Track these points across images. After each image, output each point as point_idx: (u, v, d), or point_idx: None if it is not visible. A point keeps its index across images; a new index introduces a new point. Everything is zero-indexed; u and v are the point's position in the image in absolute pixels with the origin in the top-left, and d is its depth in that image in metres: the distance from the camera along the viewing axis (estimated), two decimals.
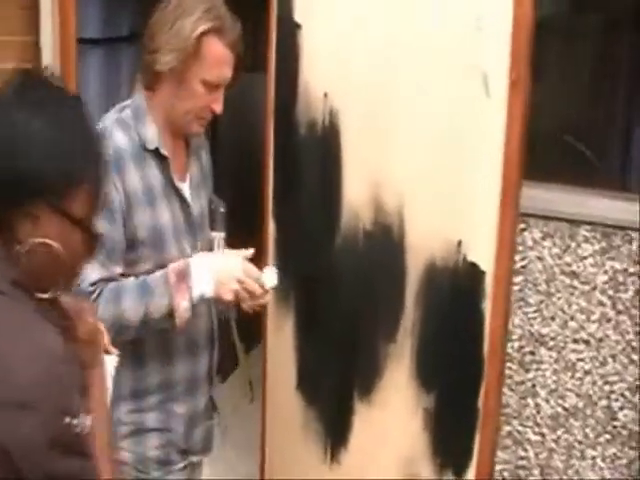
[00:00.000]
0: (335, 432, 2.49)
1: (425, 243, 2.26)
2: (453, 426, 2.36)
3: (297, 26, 2.32)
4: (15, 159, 1.07)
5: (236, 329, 3.65)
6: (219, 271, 1.75)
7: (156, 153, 1.79)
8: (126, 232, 1.73)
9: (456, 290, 2.27)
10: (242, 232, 3.59)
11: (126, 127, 1.78)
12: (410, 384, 2.35)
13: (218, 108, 1.80)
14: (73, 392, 1.07)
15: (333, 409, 2.49)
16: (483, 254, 2.21)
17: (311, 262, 2.44)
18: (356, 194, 2.34)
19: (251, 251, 1.87)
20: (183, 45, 1.71)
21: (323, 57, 2.31)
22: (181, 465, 1.93)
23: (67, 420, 1.04)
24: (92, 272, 1.65)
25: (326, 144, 2.35)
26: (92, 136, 1.17)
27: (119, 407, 1.79)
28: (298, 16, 2.31)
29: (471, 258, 2.22)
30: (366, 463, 2.45)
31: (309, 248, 2.44)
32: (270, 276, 1.82)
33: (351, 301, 2.41)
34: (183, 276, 1.72)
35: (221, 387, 3.73)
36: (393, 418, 2.41)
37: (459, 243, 2.23)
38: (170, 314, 1.71)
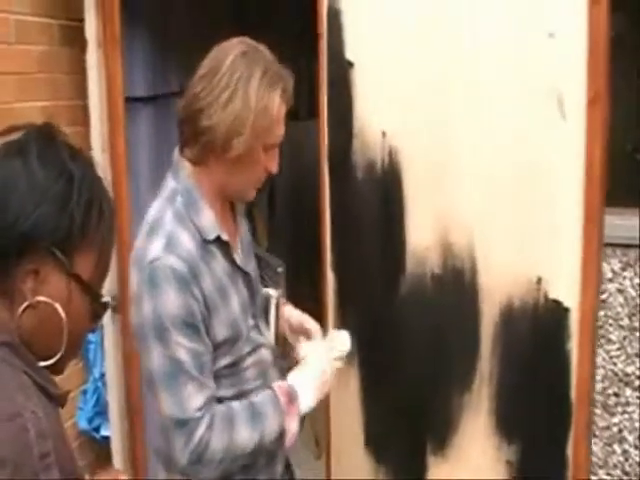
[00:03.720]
0: None
1: (500, 283, 2.17)
2: (540, 479, 2.21)
3: (349, 64, 2.25)
4: (17, 205, 0.99)
5: None
6: (318, 384, 1.73)
7: (216, 240, 1.62)
8: (209, 341, 1.61)
9: (537, 331, 2.15)
10: (301, 284, 3.52)
11: (184, 221, 1.59)
12: (489, 436, 2.24)
13: (274, 168, 1.64)
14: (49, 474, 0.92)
15: (405, 466, 2.38)
16: (567, 290, 2.09)
17: (375, 313, 2.34)
18: (421, 237, 2.25)
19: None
20: (260, 123, 1.53)
21: (379, 94, 2.24)
22: None
23: None
24: (194, 396, 1.54)
25: (386, 186, 2.26)
26: (104, 194, 1.09)
27: None
28: (350, 54, 2.25)
29: (553, 295, 2.10)
30: None
31: (372, 298, 2.34)
32: (345, 342, 1.83)
33: (420, 351, 2.31)
34: (292, 398, 1.67)
35: None
36: (471, 473, 2.28)
37: (539, 280, 2.11)
38: (280, 437, 1.65)
